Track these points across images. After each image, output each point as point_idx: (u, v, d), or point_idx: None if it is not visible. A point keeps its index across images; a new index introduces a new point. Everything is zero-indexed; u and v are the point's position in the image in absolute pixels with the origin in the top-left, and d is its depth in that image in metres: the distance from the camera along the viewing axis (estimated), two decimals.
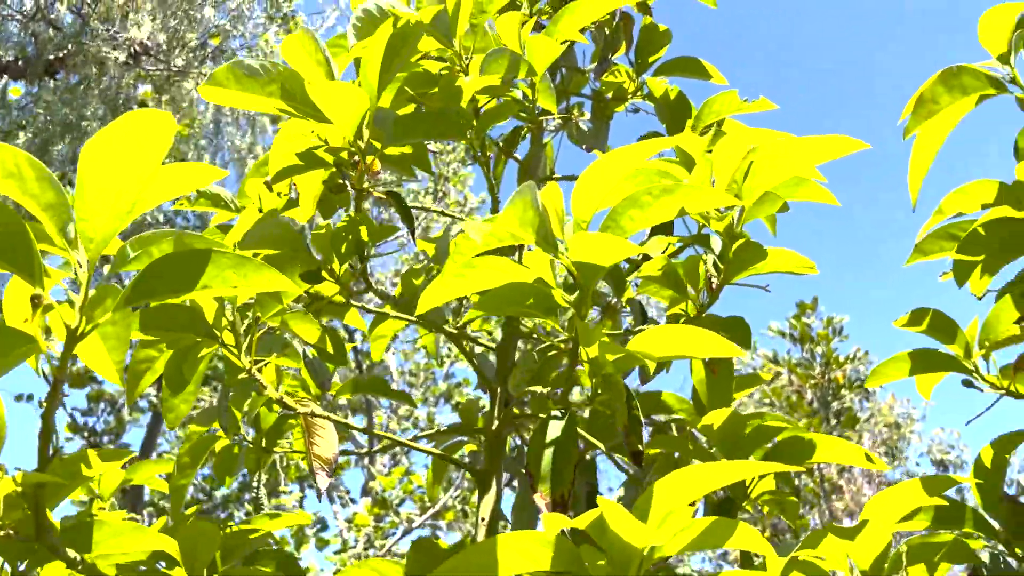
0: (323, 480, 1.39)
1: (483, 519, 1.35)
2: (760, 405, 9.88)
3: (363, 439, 13.02)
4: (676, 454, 1.43)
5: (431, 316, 1.30)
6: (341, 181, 1.11)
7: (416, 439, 1.63)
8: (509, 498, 1.60)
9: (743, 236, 1.28)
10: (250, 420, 1.80)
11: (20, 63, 6.27)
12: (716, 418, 1.33)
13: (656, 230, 1.45)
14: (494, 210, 1.43)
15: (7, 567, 0.94)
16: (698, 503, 1.07)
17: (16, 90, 6.98)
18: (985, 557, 1.11)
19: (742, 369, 10.32)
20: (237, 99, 1.02)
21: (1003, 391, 1.15)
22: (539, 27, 2.13)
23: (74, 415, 9.80)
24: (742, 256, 1.30)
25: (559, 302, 0.99)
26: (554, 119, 2.13)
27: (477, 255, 0.99)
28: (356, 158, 1.12)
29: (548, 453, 0.89)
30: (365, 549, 6.36)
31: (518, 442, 1.73)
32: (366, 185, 1.09)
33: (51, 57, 5.99)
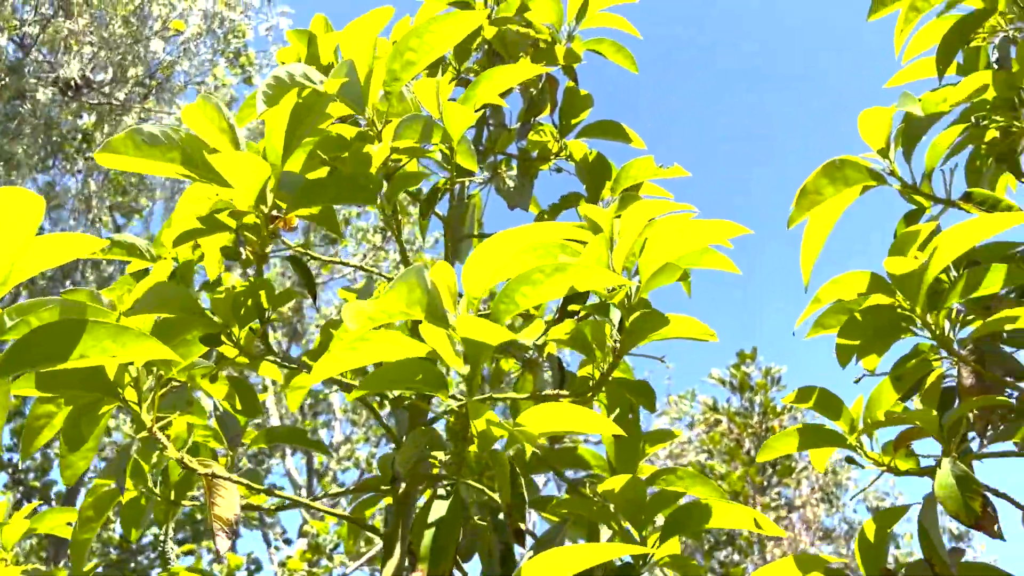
0: (223, 543, 1.36)
1: None
2: (699, 452, 9.97)
3: (302, 478, 12.78)
4: None
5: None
6: (237, 248, 1.11)
7: (325, 496, 1.61)
8: None
9: (643, 306, 1.31)
10: (158, 472, 1.77)
11: None
12: (617, 483, 1.35)
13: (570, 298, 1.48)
14: None
15: None
16: None
17: None
18: None
19: (683, 418, 10.43)
20: (136, 165, 1.02)
21: (884, 467, 1.19)
22: (465, 83, 2.17)
23: None
24: (643, 324, 1.33)
25: (457, 370, 1.01)
26: (483, 170, 2.17)
27: (377, 327, 1.00)
28: (259, 222, 1.12)
29: (430, 533, 0.90)
30: None
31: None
32: (268, 250, 1.10)
33: None
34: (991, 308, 1.29)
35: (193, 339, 1.28)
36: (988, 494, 1.03)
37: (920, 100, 1.26)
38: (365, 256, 11.41)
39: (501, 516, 1.63)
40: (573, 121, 2.01)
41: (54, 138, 5.82)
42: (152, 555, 8.61)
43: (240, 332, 1.17)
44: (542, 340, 1.61)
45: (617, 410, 1.50)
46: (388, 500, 1.92)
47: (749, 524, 1.25)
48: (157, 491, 1.77)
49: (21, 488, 9.56)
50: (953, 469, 0.99)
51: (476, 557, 1.44)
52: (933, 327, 1.12)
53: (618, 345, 1.37)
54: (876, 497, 14.12)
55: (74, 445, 1.38)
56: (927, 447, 1.26)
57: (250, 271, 1.29)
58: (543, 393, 1.46)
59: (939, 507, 1.06)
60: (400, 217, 1.43)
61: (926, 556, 1.08)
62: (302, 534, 9.84)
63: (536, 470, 1.64)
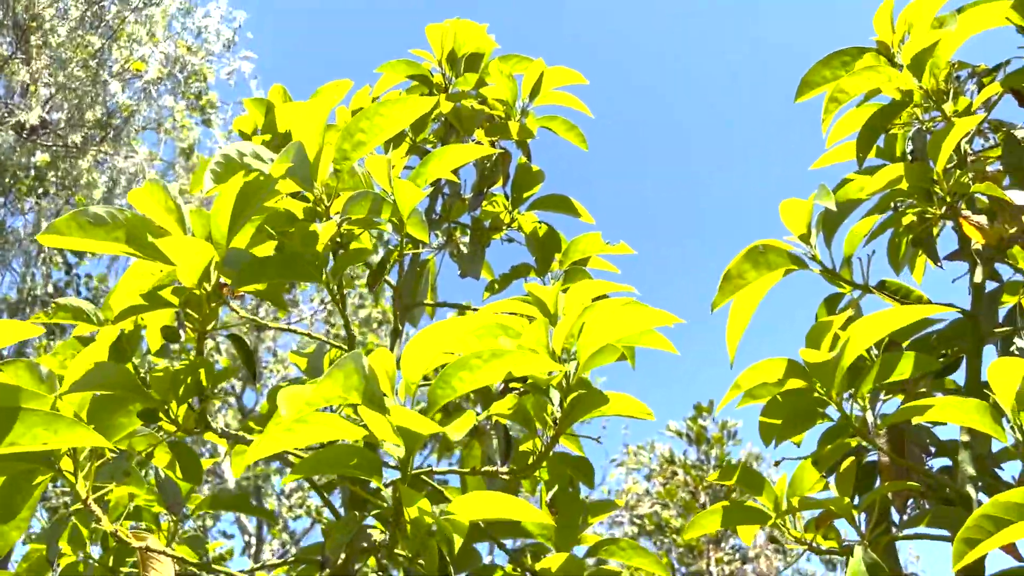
0: None
1: None
2: (655, 503, 9.98)
3: (251, 525, 12.48)
4: None
5: None
6: (176, 330, 1.14)
7: (263, 567, 1.61)
8: None
9: (582, 386, 1.34)
10: (96, 538, 1.75)
11: None
12: (553, 562, 1.38)
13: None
14: (350, 346, 1.47)
15: None
16: None
17: None
18: None
19: (640, 469, 10.44)
20: (81, 245, 1.05)
21: (806, 547, 1.23)
22: (424, 152, 2.22)
23: None
24: (582, 403, 1.37)
25: (393, 454, 1.03)
26: (437, 236, 2.21)
27: (316, 410, 1.02)
28: (203, 299, 1.15)
29: None
30: None
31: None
32: (209, 328, 1.12)
33: None
34: (907, 389, 1.36)
35: (135, 408, 1.29)
36: None
37: (837, 193, 1.33)
38: (317, 311, 11.30)
39: None
40: (525, 194, 2.07)
41: (6, 179, 5.75)
42: None
43: (179, 409, 1.18)
44: (485, 415, 1.64)
45: (556, 487, 1.53)
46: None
47: None
48: (95, 558, 1.75)
49: None
50: (864, 557, 1.04)
51: None
52: (848, 413, 1.17)
53: (557, 422, 1.40)
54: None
55: (7, 517, 1.37)
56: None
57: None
58: (483, 470, 1.49)
59: None
60: (346, 291, 1.46)
61: None
62: None
63: (477, 539, 1.66)
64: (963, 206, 1.33)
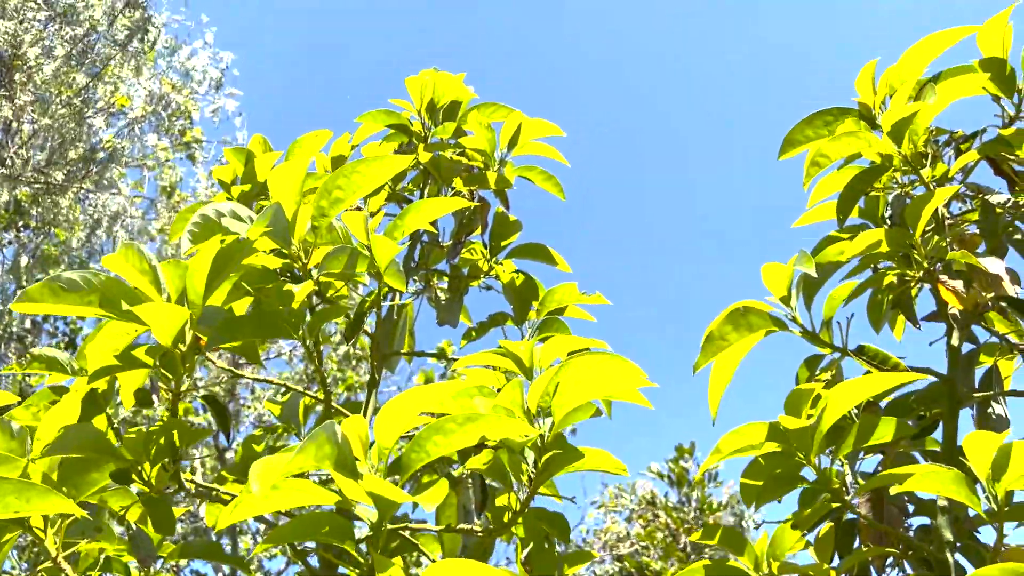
0: None
1: None
2: (636, 544, 9.89)
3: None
4: None
5: None
6: (149, 394, 1.12)
7: None
8: None
9: (558, 444, 1.34)
10: None
11: None
12: None
13: None
14: (326, 406, 1.46)
15: None
16: None
17: None
18: None
19: (621, 511, 10.37)
20: (54, 310, 1.03)
21: None
22: (403, 199, 2.23)
23: None
24: (557, 460, 1.36)
25: (367, 520, 1.02)
26: (415, 282, 2.20)
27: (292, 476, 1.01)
28: (177, 360, 1.13)
29: None
30: None
31: None
32: (184, 387, 1.11)
33: None
34: (886, 452, 1.36)
35: (108, 468, 1.26)
36: None
37: (817, 255, 1.34)
38: (297, 346, 11.24)
39: None
40: (503, 243, 2.07)
41: None
42: None
43: (152, 470, 1.16)
44: (461, 470, 1.62)
45: (532, 544, 1.52)
46: None
47: None
48: None
49: None
50: None
51: None
52: (827, 478, 1.17)
53: (533, 478, 1.39)
54: None
55: None
56: None
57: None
58: (456, 528, 1.47)
59: None
60: (326, 325, 1.45)
61: None
62: None
63: None
64: (941, 270, 1.34)
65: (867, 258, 1.51)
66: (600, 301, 1.89)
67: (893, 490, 1.03)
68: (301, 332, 1.33)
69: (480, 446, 1.51)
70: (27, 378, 7.23)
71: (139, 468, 1.16)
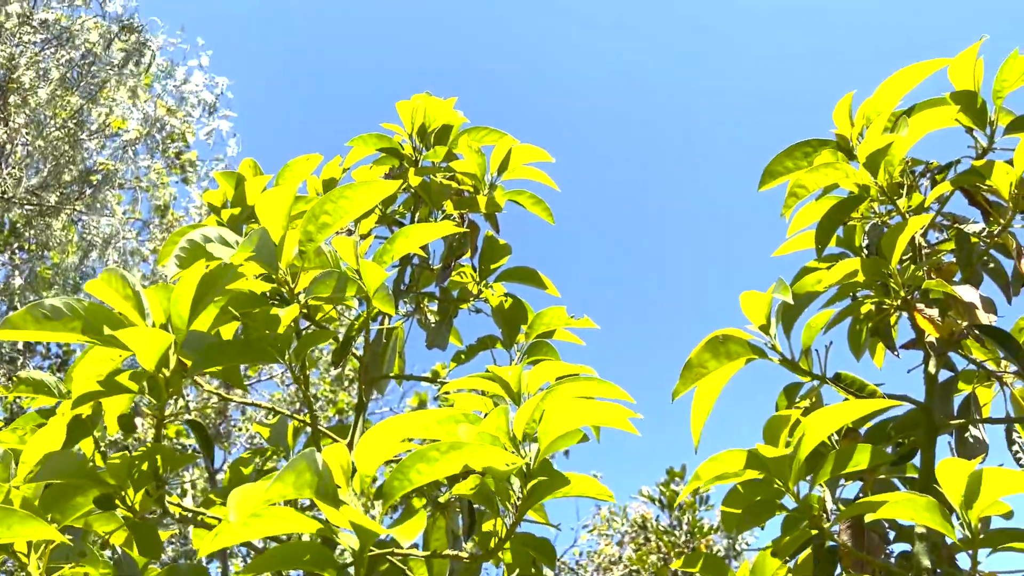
0: None
1: None
2: (628, 568, 9.84)
3: None
4: None
5: None
6: (132, 420, 1.13)
7: None
8: None
9: (543, 471, 1.34)
10: None
11: None
12: None
13: None
14: (313, 430, 1.47)
15: None
16: None
17: None
18: None
19: (613, 535, 10.32)
20: (37, 336, 1.04)
21: None
22: (393, 222, 2.25)
23: None
24: (543, 487, 1.37)
25: (348, 548, 1.02)
26: (406, 303, 2.22)
27: (276, 503, 1.01)
28: (161, 384, 1.14)
29: None
30: None
31: None
32: (168, 412, 1.11)
33: None
34: (865, 478, 1.37)
35: (92, 493, 1.27)
36: None
37: (795, 285, 1.36)
38: (284, 375, 11.19)
39: None
40: (492, 266, 2.09)
41: None
42: None
43: (136, 495, 1.17)
44: (448, 495, 1.62)
45: (518, 569, 1.52)
46: None
47: None
48: None
49: None
50: None
51: None
52: (806, 505, 1.18)
53: (518, 505, 1.40)
54: None
55: None
56: None
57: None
58: (443, 554, 1.47)
59: None
60: (309, 371, 1.45)
61: None
62: None
63: None
64: (918, 298, 1.36)
65: (845, 287, 1.53)
66: (588, 325, 1.91)
67: (868, 517, 1.04)
68: (288, 356, 1.34)
69: (467, 472, 1.51)
70: (19, 400, 7.20)
71: (122, 493, 1.16)
